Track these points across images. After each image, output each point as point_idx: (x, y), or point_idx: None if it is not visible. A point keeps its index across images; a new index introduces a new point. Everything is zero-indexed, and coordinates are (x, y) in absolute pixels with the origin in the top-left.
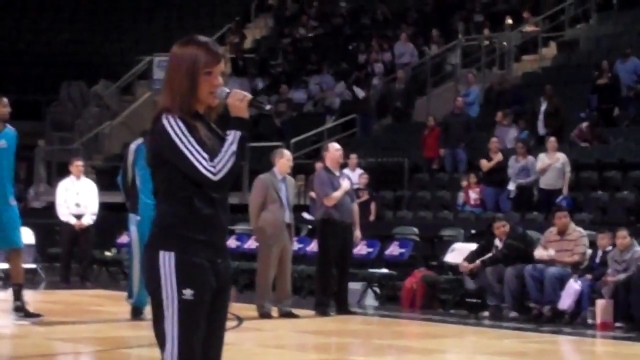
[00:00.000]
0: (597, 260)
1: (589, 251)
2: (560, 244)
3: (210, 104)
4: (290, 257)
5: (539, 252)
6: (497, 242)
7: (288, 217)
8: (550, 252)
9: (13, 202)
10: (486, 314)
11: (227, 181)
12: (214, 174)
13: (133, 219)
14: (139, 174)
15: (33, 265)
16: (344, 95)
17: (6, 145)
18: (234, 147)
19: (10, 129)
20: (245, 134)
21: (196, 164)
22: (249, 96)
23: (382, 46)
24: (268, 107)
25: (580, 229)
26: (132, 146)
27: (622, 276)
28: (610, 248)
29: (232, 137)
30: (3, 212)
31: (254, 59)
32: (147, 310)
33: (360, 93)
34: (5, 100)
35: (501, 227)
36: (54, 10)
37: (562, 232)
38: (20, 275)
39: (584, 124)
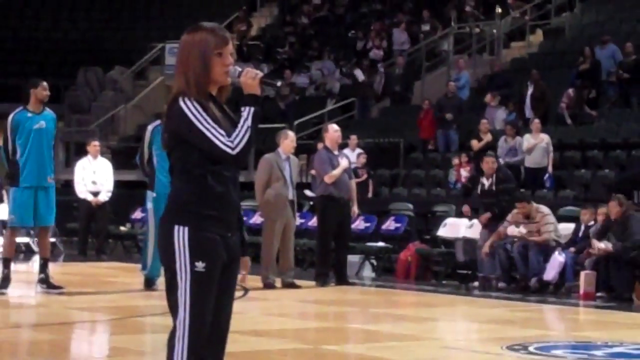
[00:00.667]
0: (580, 234)
1: (570, 225)
2: (528, 226)
3: (223, 84)
4: (293, 232)
5: (511, 230)
6: (484, 181)
7: (291, 194)
8: (522, 230)
9: (51, 181)
10: (476, 284)
11: (246, 155)
12: (233, 149)
13: (150, 196)
14: (156, 153)
15: (53, 239)
16: (344, 79)
17: (45, 125)
18: (249, 122)
19: (49, 111)
20: (258, 109)
21: (215, 140)
22: (260, 74)
23: (380, 34)
24: (279, 83)
25: (543, 209)
26: (149, 127)
27: (603, 245)
28: (592, 223)
29: (247, 112)
30: (42, 190)
31: (260, 45)
32: (159, 282)
33: (360, 76)
34: (44, 84)
35: (490, 163)
36: (71, 1)
37: (527, 217)
38: (47, 250)
39: (570, 90)
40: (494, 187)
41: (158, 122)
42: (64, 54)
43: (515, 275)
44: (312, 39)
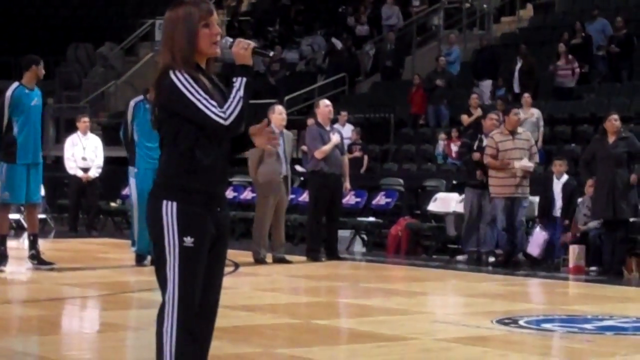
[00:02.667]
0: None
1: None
2: (515, 142)
3: (212, 54)
4: (285, 208)
5: (522, 163)
6: (484, 138)
7: (285, 169)
8: (529, 164)
9: (40, 159)
10: (460, 258)
11: (238, 125)
12: (225, 119)
13: (132, 171)
14: (137, 129)
15: (43, 216)
16: (322, 47)
17: (38, 102)
18: (241, 93)
19: (37, 88)
20: (250, 79)
21: (207, 111)
22: (252, 44)
23: (367, 9)
24: (271, 53)
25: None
26: (131, 103)
27: (591, 224)
28: (580, 200)
29: (239, 83)
30: (34, 167)
31: (250, 21)
32: (150, 257)
33: (338, 44)
34: (41, 61)
35: (494, 120)
36: None
37: (513, 132)
38: (35, 226)
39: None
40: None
41: (140, 97)
42: (54, 30)
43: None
44: (302, 14)
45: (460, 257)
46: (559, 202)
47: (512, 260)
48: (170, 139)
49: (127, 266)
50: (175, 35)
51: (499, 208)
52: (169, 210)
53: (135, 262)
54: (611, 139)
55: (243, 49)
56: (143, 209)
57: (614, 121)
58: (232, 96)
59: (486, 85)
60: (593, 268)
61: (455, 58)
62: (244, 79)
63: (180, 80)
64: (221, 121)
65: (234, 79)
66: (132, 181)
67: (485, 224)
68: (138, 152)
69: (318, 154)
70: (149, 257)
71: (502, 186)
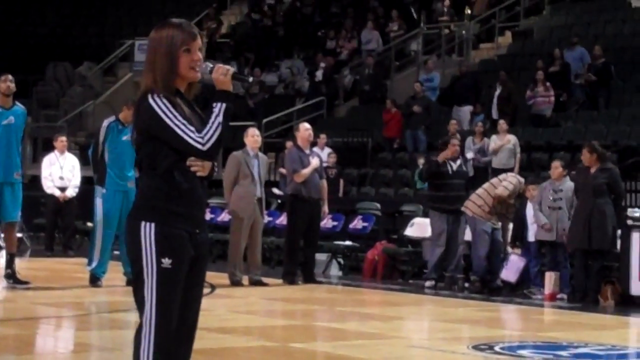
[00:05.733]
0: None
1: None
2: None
3: (192, 80)
4: (261, 230)
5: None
6: (451, 163)
7: (259, 191)
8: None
9: (18, 177)
10: (428, 284)
11: (216, 151)
12: (203, 144)
13: (99, 191)
14: (109, 150)
15: (19, 235)
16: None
17: (14, 121)
18: (220, 118)
19: (19, 106)
20: (229, 105)
21: (185, 137)
22: (232, 69)
23: (347, 34)
24: (250, 79)
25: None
26: (105, 123)
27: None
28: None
29: (218, 109)
30: (8, 186)
31: (229, 43)
32: (104, 279)
33: (319, 77)
34: (8, 76)
35: (456, 146)
36: None
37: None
38: (13, 245)
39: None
40: (464, 167)
41: (113, 118)
42: (33, 48)
43: (474, 277)
44: (282, 38)
45: (428, 283)
46: (532, 228)
47: (491, 287)
48: (149, 162)
49: (103, 286)
50: (157, 58)
51: (485, 235)
52: (147, 231)
53: (89, 282)
54: (592, 169)
55: (222, 74)
56: (107, 230)
57: (585, 153)
58: (210, 121)
59: (465, 111)
60: (564, 296)
61: (436, 84)
62: (224, 105)
63: (159, 104)
64: (199, 146)
65: (214, 104)
66: (98, 201)
67: (461, 249)
68: (109, 172)
69: (297, 177)
70: (102, 280)
71: (491, 215)
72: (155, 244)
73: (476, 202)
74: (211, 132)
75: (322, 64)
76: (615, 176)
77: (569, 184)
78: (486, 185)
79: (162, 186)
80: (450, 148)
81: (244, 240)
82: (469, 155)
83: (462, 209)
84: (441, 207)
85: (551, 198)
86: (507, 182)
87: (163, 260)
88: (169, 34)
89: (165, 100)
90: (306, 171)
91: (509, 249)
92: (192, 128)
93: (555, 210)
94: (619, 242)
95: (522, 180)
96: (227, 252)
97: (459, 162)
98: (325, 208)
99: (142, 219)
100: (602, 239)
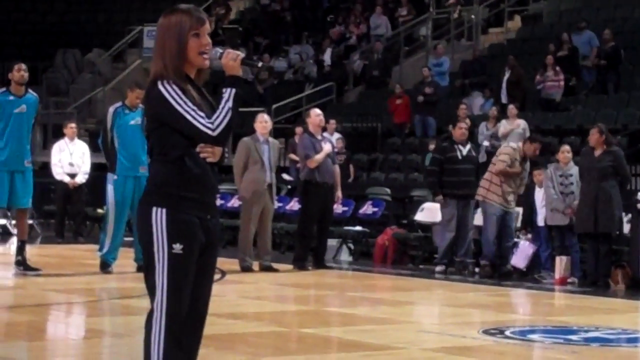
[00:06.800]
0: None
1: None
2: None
3: (201, 66)
4: (271, 216)
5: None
6: (460, 148)
7: (269, 177)
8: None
9: (28, 164)
10: (438, 269)
11: (226, 136)
12: (213, 130)
13: (111, 178)
14: (117, 135)
15: (30, 222)
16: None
17: (26, 109)
18: (230, 104)
19: (32, 94)
20: (239, 90)
21: (195, 122)
22: (242, 55)
23: (356, 19)
24: (260, 63)
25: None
26: (111, 109)
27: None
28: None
29: (228, 94)
30: (19, 173)
31: (238, 29)
32: (114, 265)
33: (327, 61)
34: (20, 65)
35: (463, 129)
36: None
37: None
38: (24, 233)
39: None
40: (473, 152)
41: (119, 103)
42: (42, 35)
43: (484, 262)
44: (291, 23)
45: (438, 268)
46: (541, 212)
47: (501, 271)
48: (160, 148)
49: (114, 272)
50: (166, 44)
51: (494, 218)
52: (159, 216)
53: (100, 269)
54: (597, 152)
55: (232, 60)
56: (119, 217)
57: (594, 134)
58: (220, 107)
59: (476, 96)
60: (574, 280)
61: (446, 69)
62: (233, 90)
63: (169, 91)
64: (209, 132)
65: (223, 90)
66: (109, 187)
67: (471, 234)
68: (119, 158)
69: (310, 163)
70: (112, 266)
71: (499, 196)
72: (167, 229)
73: (484, 185)
74: (221, 117)
75: (329, 49)
76: (619, 158)
77: (576, 169)
78: (490, 167)
79: (173, 172)
80: (457, 130)
81: (254, 226)
82: (485, 142)
83: (476, 197)
84: (451, 193)
85: (562, 183)
86: (502, 155)
87: (174, 245)
88: (177, 19)
89: (175, 87)
90: (319, 157)
91: (520, 235)
92: (202, 114)
93: (568, 196)
94: (626, 225)
95: (516, 145)
96: (237, 238)
97: (468, 146)
98: (339, 193)
99: (153, 204)
100: (608, 223)
